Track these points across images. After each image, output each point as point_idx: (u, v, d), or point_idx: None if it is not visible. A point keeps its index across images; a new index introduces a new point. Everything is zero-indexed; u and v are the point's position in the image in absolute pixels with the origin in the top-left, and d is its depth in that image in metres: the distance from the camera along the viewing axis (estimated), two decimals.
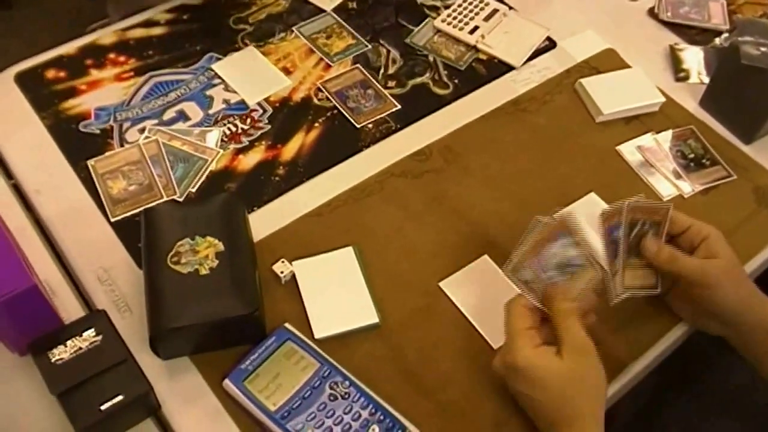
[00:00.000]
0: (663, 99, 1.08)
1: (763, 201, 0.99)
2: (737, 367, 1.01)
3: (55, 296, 0.86)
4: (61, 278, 0.88)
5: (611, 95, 1.07)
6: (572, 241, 0.80)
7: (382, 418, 0.76)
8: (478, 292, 0.88)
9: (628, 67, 1.13)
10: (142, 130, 1.00)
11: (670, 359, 0.89)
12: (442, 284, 0.88)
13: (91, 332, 0.76)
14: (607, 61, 1.14)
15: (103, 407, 0.72)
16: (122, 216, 0.92)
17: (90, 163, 0.97)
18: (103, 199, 0.93)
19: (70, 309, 0.85)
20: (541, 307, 0.77)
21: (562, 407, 0.73)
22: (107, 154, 0.98)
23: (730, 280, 0.80)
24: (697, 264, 0.80)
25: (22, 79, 1.06)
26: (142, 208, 0.91)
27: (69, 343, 0.75)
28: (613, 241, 0.82)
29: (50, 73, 1.07)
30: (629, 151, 1.03)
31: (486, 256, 0.91)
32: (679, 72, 1.14)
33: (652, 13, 1.24)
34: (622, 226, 0.82)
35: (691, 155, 1.03)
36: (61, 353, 0.75)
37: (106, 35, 1.12)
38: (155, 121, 1.02)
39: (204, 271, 0.79)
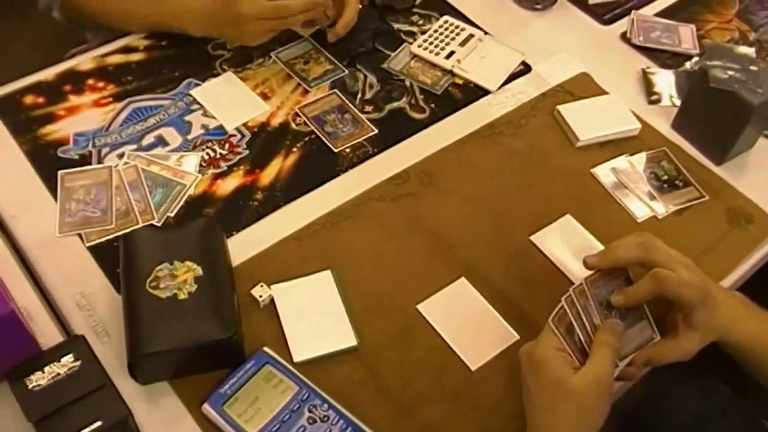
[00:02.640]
0: (639, 126, 1.09)
1: (735, 221, 1.01)
2: (678, 406, 1.00)
3: (33, 322, 0.85)
4: (39, 304, 0.88)
5: (588, 122, 1.09)
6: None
7: None
8: (455, 314, 0.88)
9: (603, 90, 1.15)
10: (121, 156, 1.01)
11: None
12: (419, 307, 0.89)
13: (69, 358, 0.76)
14: (582, 85, 1.16)
15: None
16: (97, 241, 0.92)
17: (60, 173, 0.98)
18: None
19: (48, 335, 0.85)
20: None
21: (552, 417, 0.73)
22: (78, 169, 0.99)
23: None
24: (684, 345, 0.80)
25: (0, 105, 1.06)
26: (115, 234, 0.92)
27: (47, 369, 0.75)
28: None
29: (28, 99, 1.07)
30: (604, 173, 1.05)
31: (463, 279, 0.92)
32: (651, 95, 1.16)
33: (624, 37, 1.26)
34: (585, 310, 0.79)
35: (665, 177, 1.05)
36: (38, 379, 0.74)
37: (84, 61, 1.13)
38: (134, 147, 1.02)
39: (183, 296, 0.80)
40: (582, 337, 0.76)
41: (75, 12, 1.18)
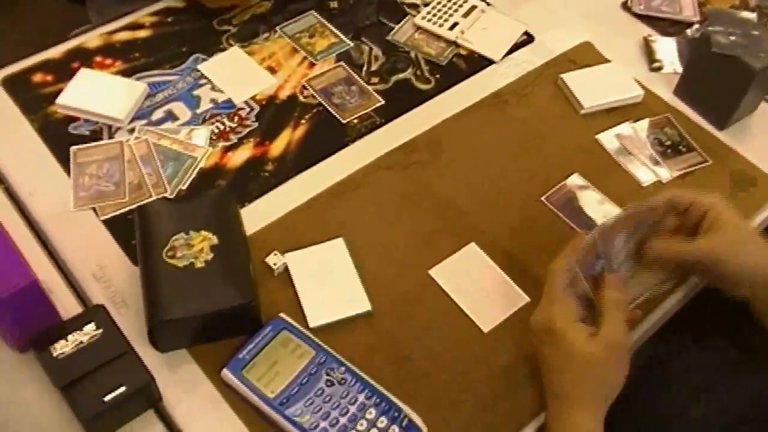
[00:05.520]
0: (642, 92, 1.10)
1: (739, 184, 1.02)
2: (666, 395, 1.00)
3: (52, 294, 0.86)
4: (57, 277, 0.89)
5: (592, 90, 1.10)
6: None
7: (378, 401, 0.78)
8: (466, 278, 0.90)
9: (605, 59, 1.17)
10: (131, 131, 1.02)
11: None
12: (431, 272, 0.90)
13: (91, 326, 0.78)
14: (584, 54, 1.17)
15: (106, 398, 0.73)
16: (111, 215, 0.93)
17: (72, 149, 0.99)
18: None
19: (67, 306, 0.86)
20: (589, 294, 0.79)
21: (576, 388, 0.75)
22: (90, 144, 1.00)
23: (739, 249, 0.80)
24: (701, 247, 0.81)
25: (9, 84, 1.07)
26: (128, 207, 0.94)
27: (70, 337, 0.77)
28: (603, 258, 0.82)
29: (37, 77, 1.08)
30: (608, 139, 1.06)
31: (473, 244, 0.93)
32: (653, 62, 1.17)
33: (625, 6, 1.27)
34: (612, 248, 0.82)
35: (668, 142, 1.06)
36: (62, 347, 0.76)
37: (91, 39, 1.13)
38: (144, 122, 1.03)
39: (200, 264, 0.81)
40: (588, 293, 0.79)
41: None
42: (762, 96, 1.10)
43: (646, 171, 1.03)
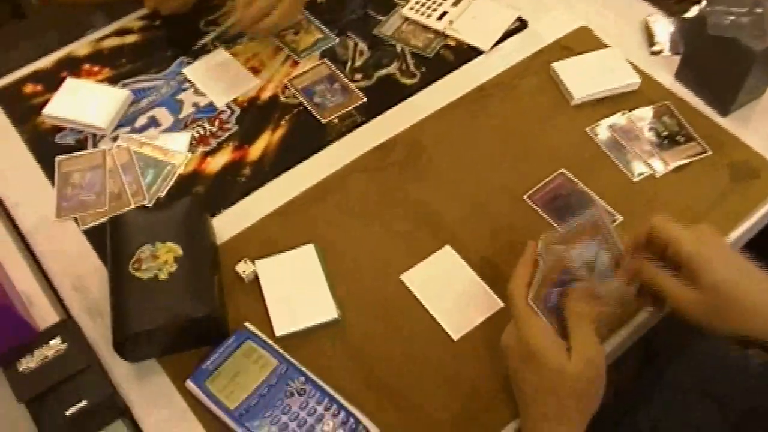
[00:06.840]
0: (639, 80, 1.05)
1: (737, 176, 0.97)
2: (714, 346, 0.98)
3: (33, 305, 0.89)
4: (39, 288, 0.91)
5: (584, 78, 1.05)
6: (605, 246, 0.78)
7: (337, 412, 0.77)
8: (439, 283, 0.88)
9: (603, 45, 1.12)
10: (115, 139, 1.03)
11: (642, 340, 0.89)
12: (403, 277, 0.89)
13: (56, 341, 0.80)
14: (581, 40, 1.13)
15: (68, 412, 0.75)
16: (91, 224, 0.95)
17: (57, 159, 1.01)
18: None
19: (47, 317, 0.88)
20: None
21: (555, 404, 0.73)
22: (73, 154, 1.02)
23: (711, 314, 0.72)
24: (690, 301, 0.73)
25: (0, 95, 1.10)
26: (108, 217, 0.94)
27: (36, 352, 0.79)
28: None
29: (28, 88, 1.10)
30: (600, 131, 1.02)
31: (448, 246, 0.91)
32: (653, 45, 1.12)
33: None
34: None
35: (665, 132, 1.02)
36: (28, 362, 0.78)
37: (81, 46, 1.15)
38: (128, 129, 1.04)
39: (163, 276, 0.82)
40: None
41: None
42: None
43: (639, 164, 0.99)
